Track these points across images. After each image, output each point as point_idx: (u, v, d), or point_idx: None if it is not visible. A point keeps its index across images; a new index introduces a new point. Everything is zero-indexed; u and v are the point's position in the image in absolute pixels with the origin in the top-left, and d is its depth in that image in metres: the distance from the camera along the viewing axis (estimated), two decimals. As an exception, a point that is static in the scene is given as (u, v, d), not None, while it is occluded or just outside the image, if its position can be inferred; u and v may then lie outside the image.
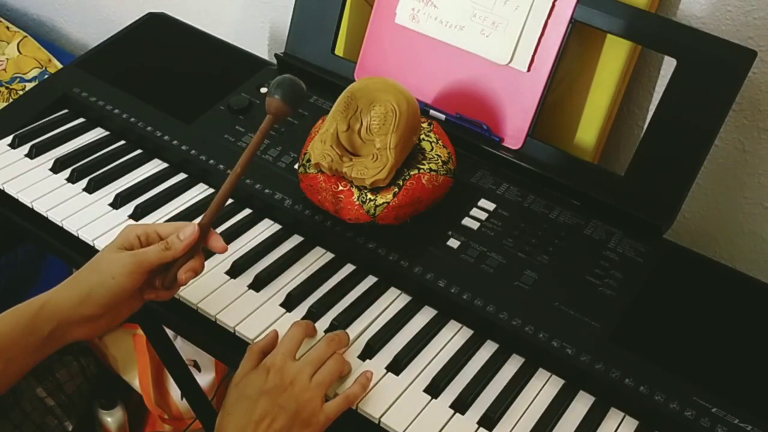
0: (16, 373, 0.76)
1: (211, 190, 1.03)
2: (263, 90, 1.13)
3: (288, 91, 0.81)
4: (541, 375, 0.84)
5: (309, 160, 0.94)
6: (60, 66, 1.65)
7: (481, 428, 0.78)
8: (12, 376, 0.76)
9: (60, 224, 0.97)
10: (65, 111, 1.14)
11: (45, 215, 0.98)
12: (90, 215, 0.97)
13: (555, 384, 0.83)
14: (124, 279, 0.76)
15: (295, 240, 0.96)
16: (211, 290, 0.89)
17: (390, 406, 0.79)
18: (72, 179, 1.02)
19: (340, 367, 0.80)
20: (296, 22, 1.16)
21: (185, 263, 0.79)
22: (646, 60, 1.08)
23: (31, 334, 0.75)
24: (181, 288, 0.84)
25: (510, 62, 1.01)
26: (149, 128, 1.08)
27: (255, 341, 0.83)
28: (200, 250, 0.81)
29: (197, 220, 0.81)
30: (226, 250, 0.82)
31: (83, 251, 0.95)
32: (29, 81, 1.63)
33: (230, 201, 1.01)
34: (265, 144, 1.04)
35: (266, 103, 0.81)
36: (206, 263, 0.91)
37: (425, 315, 0.89)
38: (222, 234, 0.92)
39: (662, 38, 0.95)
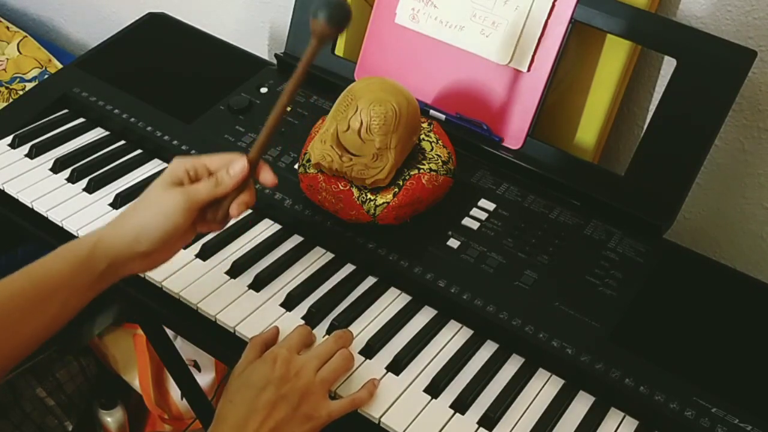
0: (73, 309, 0.75)
1: (211, 190, 1.02)
2: (263, 90, 1.13)
3: (333, 12, 0.75)
4: (541, 375, 0.84)
5: (309, 160, 0.94)
6: (60, 66, 1.65)
7: (481, 428, 0.78)
8: (69, 313, 0.75)
9: (60, 224, 0.97)
10: (65, 111, 1.14)
11: (45, 215, 0.98)
12: (90, 215, 0.97)
13: (555, 384, 0.83)
14: (176, 216, 0.76)
15: (295, 240, 0.96)
16: (211, 290, 0.89)
17: (390, 406, 0.79)
18: (72, 179, 1.02)
19: (347, 365, 0.80)
20: (296, 22, 1.16)
21: (236, 197, 0.79)
22: (646, 60, 1.08)
23: (86, 271, 0.75)
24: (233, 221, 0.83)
25: (510, 62, 1.01)
26: (149, 128, 1.08)
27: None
28: (251, 182, 0.80)
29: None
30: (276, 183, 0.81)
31: (83, 251, 0.95)
32: (29, 81, 1.63)
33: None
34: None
35: (311, 25, 0.76)
36: (206, 263, 0.92)
37: (425, 315, 0.89)
38: (222, 234, 0.93)
39: (662, 38, 0.95)
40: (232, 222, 0.96)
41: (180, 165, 0.78)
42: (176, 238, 0.77)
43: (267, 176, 0.80)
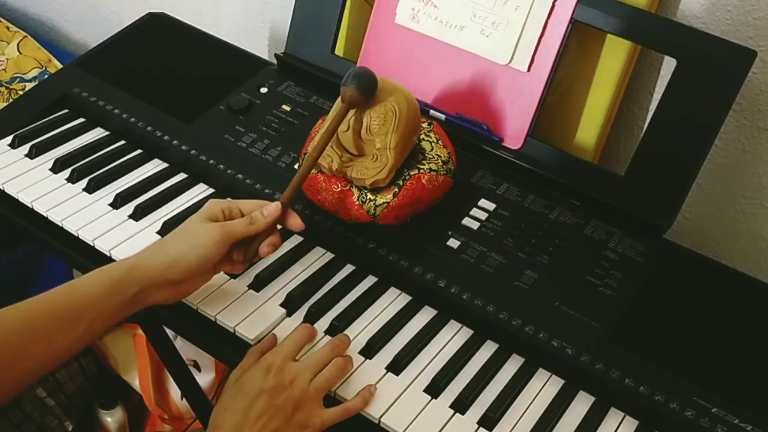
0: (98, 331, 0.79)
1: (212, 190, 1.03)
2: (263, 90, 1.13)
3: (363, 82, 0.88)
4: (541, 375, 0.84)
5: (309, 160, 0.94)
6: (60, 66, 1.65)
7: (481, 428, 0.78)
8: (94, 334, 0.79)
9: (60, 224, 0.97)
10: (65, 111, 1.14)
11: (45, 215, 0.98)
12: (90, 215, 0.97)
13: (555, 384, 0.83)
14: (211, 248, 0.81)
15: (295, 240, 0.96)
16: (211, 290, 0.88)
17: (390, 406, 0.79)
18: (72, 179, 1.02)
19: (341, 374, 0.80)
20: (296, 22, 1.16)
21: (266, 238, 0.84)
22: (646, 60, 1.08)
23: (116, 294, 0.78)
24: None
25: (510, 62, 1.01)
26: (149, 128, 1.08)
27: (255, 341, 0.84)
28: (277, 226, 0.86)
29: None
30: (303, 228, 0.87)
31: (83, 251, 0.95)
32: (29, 81, 1.63)
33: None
34: (265, 144, 1.05)
35: (341, 92, 0.88)
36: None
37: (425, 315, 0.89)
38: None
39: (662, 38, 0.95)
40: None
41: (216, 204, 0.85)
42: (205, 270, 0.83)
43: (295, 222, 0.87)
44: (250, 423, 0.74)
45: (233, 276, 0.90)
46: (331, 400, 0.80)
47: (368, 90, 0.88)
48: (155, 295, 0.81)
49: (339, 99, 0.89)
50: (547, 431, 0.78)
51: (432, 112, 1.06)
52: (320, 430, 0.77)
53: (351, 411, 0.78)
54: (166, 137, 1.06)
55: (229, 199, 0.86)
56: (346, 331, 0.86)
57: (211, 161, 1.03)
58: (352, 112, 0.90)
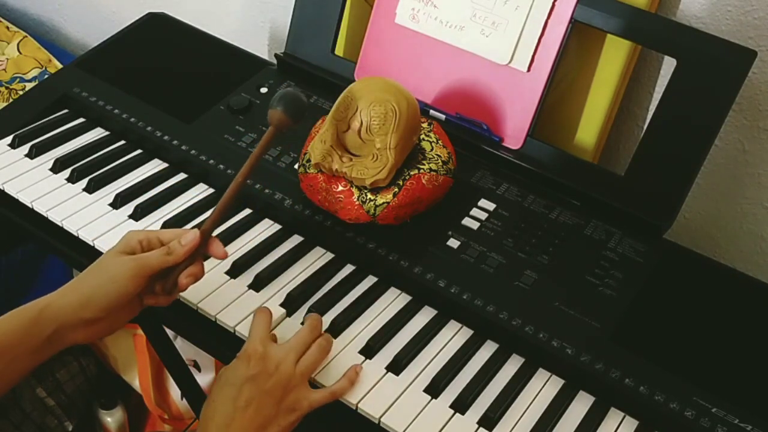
0: (16, 374, 0.77)
1: (212, 190, 1.03)
2: (263, 90, 1.13)
3: (290, 104, 0.83)
4: (541, 375, 0.84)
5: (309, 160, 0.94)
6: (60, 66, 1.65)
7: (481, 428, 0.78)
8: (12, 377, 0.76)
9: (60, 224, 0.97)
10: (65, 111, 1.14)
11: (45, 215, 0.98)
12: (90, 215, 0.97)
13: (555, 384, 0.83)
14: (125, 283, 0.77)
15: (295, 240, 0.96)
16: (211, 290, 0.89)
17: (390, 406, 0.79)
18: (72, 179, 1.02)
19: (324, 354, 0.81)
20: (296, 22, 1.16)
21: (186, 268, 0.80)
22: (646, 60, 1.08)
23: (31, 336, 0.76)
24: (180, 293, 0.85)
25: (510, 62, 1.01)
26: (149, 128, 1.08)
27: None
28: (200, 256, 0.81)
29: (198, 227, 0.81)
30: (226, 256, 0.83)
31: (83, 251, 0.95)
32: (29, 81, 1.63)
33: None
34: (265, 144, 1.04)
35: (268, 115, 0.83)
36: (206, 263, 0.91)
37: (425, 315, 0.89)
38: (222, 234, 0.93)
39: (662, 38, 0.95)
40: (231, 222, 0.96)
41: (133, 236, 0.80)
42: (121, 306, 0.78)
43: (218, 250, 0.82)
44: (240, 411, 0.75)
45: (233, 276, 0.90)
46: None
47: (295, 113, 0.83)
48: (72, 335, 0.77)
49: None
50: (547, 431, 0.78)
51: (432, 112, 1.06)
52: (307, 412, 0.77)
53: (338, 393, 0.79)
54: (166, 137, 1.06)
55: (148, 230, 0.83)
56: (346, 331, 0.86)
57: (211, 161, 1.03)
58: (351, 113, 0.90)
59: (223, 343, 0.86)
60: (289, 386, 0.77)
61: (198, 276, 0.81)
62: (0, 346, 0.75)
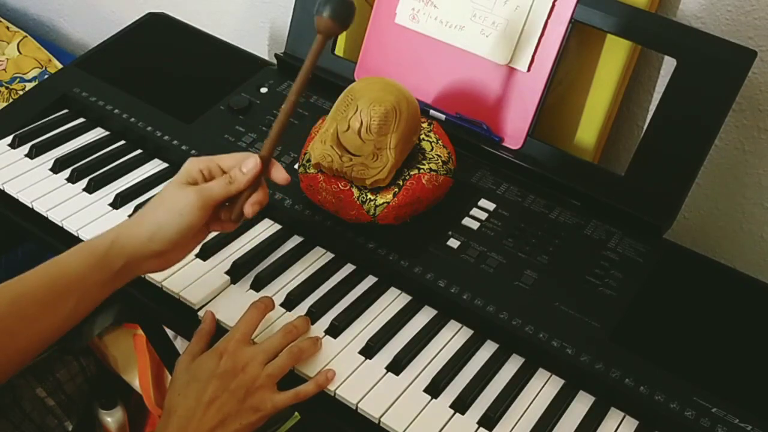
0: (88, 307, 0.77)
1: (211, 190, 1.02)
2: (263, 90, 1.13)
3: (337, 8, 0.77)
4: (541, 375, 0.84)
5: (309, 160, 0.94)
6: (60, 66, 1.65)
7: (481, 428, 0.78)
8: (83, 310, 0.77)
9: (60, 224, 0.97)
10: (65, 111, 1.14)
11: (45, 215, 0.98)
12: (90, 215, 0.97)
13: (555, 384, 0.83)
14: (191, 215, 0.77)
15: (295, 240, 0.96)
16: (211, 290, 0.89)
17: (390, 406, 0.79)
18: (72, 179, 1.02)
19: (294, 361, 0.81)
20: (296, 22, 1.16)
21: (250, 196, 0.80)
22: (646, 60, 1.08)
23: (102, 269, 0.76)
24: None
25: (510, 62, 1.01)
26: (149, 128, 1.08)
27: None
28: (263, 182, 0.81)
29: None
30: (289, 181, 0.82)
31: (83, 251, 0.95)
32: (29, 81, 1.63)
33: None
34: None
35: (315, 22, 0.78)
36: (206, 263, 0.92)
37: (425, 315, 0.89)
38: (222, 234, 0.93)
39: (662, 38, 0.95)
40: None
41: (194, 164, 0.80)
42: (190, 236, 0.79)
43: (279, 174, 0.81)
44: (203, 407, 0.76)
45: (233, 276, 0.90)
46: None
47: (343, 17, 0.77)
48: (143, 266, 0.79)
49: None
50: (547, 431, 0.78)
51: (432, 112, 1.06)
52: (272, 413, 0.78)
53: (302, 395, 0.79)
54: (166, 137, 1.06)
55: (208, 156, 0.82)
56: (346, 331, 0.86)
57: (211, 161, 1.03)
58: (351, 113, 0.90)
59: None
60: (253, 387, 0.78)
61: (263, 203, 0.81)
62: (71, 279, 0.75)
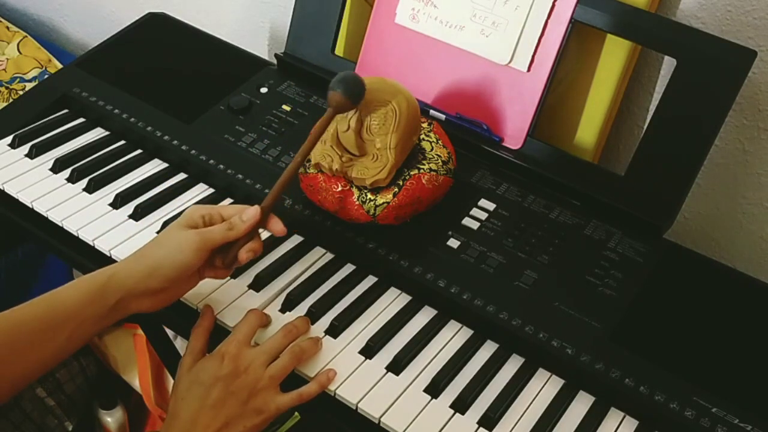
0: (81, 340, 0.79)
1: (212, 190, 1.03)
2: (263, 90, 1.13)
3: (350, 87, 0.86)
4: (541, 375, 0.84)
5: (309, 160, 0.94)
6: (60, 66, 1.65)
7: (481, 428, 0.78)
8: (76, 343, 0.79)
9: (60, 224, 0.97)
10: (65, 111, 1.14)
11: (45, 215, 0.98)
12: (90, 215, 0.97)
13: (555, 384, 0.83)
14: (190, 255, 0.80)
15: (295, 240, 0.96)
16: (211, 290, 0.89)
17: (390, 406, 0.79)
18: (72, 179, 1.02)
19: (296, 361, 0.81)
20: (296, 22, 1.16)
21: (245, 243, 0.83)
22: (646, 60, 1.08)
23: (97, 303, 0.78)
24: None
25: (510, 62, 1.01)
26: (149, 128, 1.08)
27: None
28: (258, 232, 0.85)
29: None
30: (285, 233, 0.86)
31: (83, 251, 0.95)
32: (29, 81, 1.63)
33: (230, 201, 1.01)
34: (265, 144, 1.05)
35: (328, 96, 0.87)
36: (206, 263, 0.92)
37: (425, 315, 0.89)
38: (222, 234, 0.93)
39: (662, 38, 0.95)
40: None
41: (196, 211, 0.84)
42: (185, 278, 0.82)
43: (277, 226, 0.86)
44: (207, 411, 0.76)
45: (233, 276, 0.90)
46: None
47: (354, 95, 0.87)
48: (136, 304, 0.80)
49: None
50: (547, 431, 0.78)
51: (432, 112, 1.06)
52: (275, 414, 0.79)
53: (305, 396, 0.80)
54: (166, 137, 1.06)
55: (209, 205, 0.86)
56: (346, 331, 0.86)
57: (211, 161, 1.03)
58: (351, 113, 0.90)
59: (223, 343, 0.86)
60: (256, 389, 0.78)
61: (257, 251, 0.84)
62: (68, 312, 0.77)
